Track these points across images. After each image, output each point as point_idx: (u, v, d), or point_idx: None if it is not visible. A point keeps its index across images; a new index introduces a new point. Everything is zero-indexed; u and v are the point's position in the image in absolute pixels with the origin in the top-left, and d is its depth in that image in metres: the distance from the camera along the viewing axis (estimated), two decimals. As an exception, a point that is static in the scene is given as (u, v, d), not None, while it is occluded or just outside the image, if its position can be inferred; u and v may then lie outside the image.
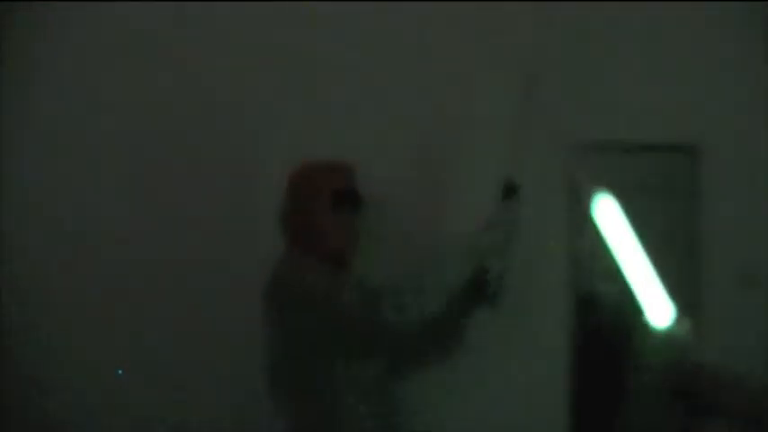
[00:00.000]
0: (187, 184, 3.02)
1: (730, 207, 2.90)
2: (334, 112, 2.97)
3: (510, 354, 2.92)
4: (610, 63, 2.93)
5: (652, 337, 2.92)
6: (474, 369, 2.92)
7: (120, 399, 3.00)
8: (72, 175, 3.06)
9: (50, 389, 3.00)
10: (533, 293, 2.87)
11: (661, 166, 2.97)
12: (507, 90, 2.88)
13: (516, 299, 2.78)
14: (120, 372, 3.00)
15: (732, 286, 2.88)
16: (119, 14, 3.04)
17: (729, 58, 2.90)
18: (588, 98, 2.93)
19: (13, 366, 3.00)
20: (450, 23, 2.97)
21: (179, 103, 3.02)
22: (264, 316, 2.51)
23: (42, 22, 3.05)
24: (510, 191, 2.57)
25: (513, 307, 2.76)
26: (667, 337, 2.89)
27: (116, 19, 3.05)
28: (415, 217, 2.93)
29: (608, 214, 2.94)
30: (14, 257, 3.05)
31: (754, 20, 2.87)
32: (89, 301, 3.03)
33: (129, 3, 3.04)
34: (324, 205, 2.49)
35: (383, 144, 2.94)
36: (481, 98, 2.94)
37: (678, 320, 2.88)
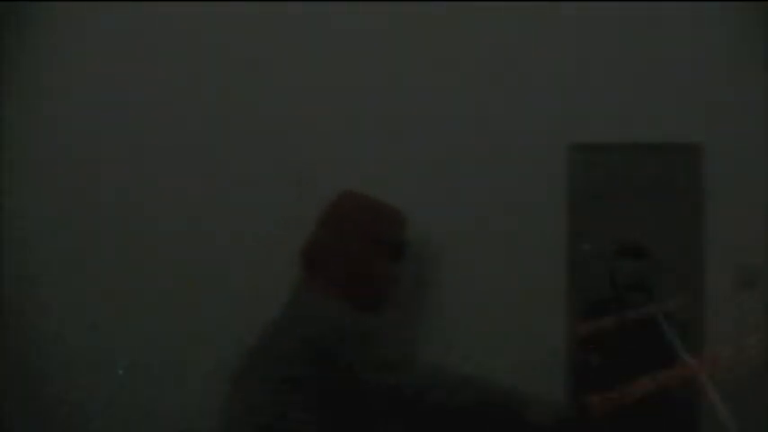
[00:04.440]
0: (194, 187, 3.05)
1: (731, 207, 2.89)
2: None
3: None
4: (610, 63, 2.93)
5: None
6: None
7: (119, 399, 3.00)
8: (76, 171, 3.08)
9: (49, 388, 3.01)
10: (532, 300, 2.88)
11: (662, 166, 2.96)
12: (508, 90, 2.90)
13: (514, 300, 2.81)
14: (120, 372, 3.00)
15: (732, 286, 2.87)
16: (119, 13, 3.06)
17: (730, 57, 2.90)
18: (588, 98, 2.93)
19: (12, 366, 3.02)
20: (451, 21, 2.97)
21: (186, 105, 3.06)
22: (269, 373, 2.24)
23: (41, 21, 3.07)
24: None
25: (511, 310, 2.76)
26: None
27: (116, 18, 3.06)
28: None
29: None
30: (15, 255, 3.06)
31: (754, 20, 2.87)
32: (89, 301, 3.04)
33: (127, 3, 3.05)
34: (382, 256, 2.38)
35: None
36: (479, 98, 2.95)
37: None
